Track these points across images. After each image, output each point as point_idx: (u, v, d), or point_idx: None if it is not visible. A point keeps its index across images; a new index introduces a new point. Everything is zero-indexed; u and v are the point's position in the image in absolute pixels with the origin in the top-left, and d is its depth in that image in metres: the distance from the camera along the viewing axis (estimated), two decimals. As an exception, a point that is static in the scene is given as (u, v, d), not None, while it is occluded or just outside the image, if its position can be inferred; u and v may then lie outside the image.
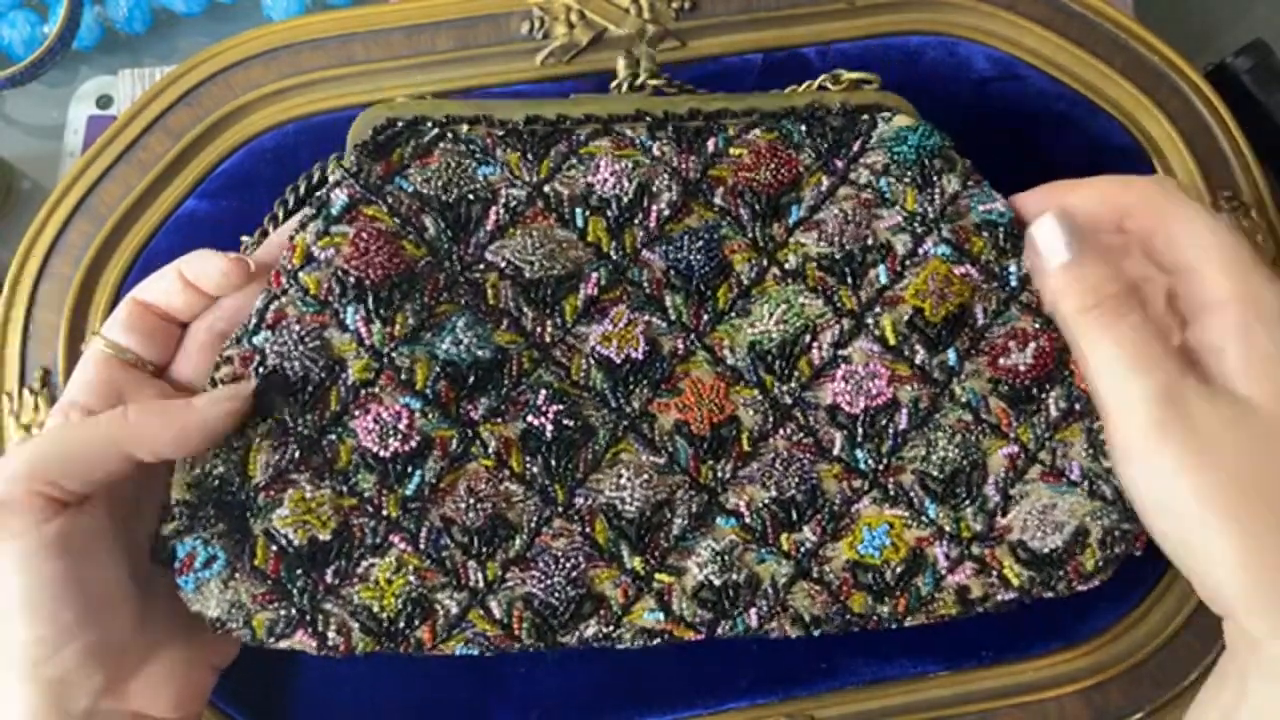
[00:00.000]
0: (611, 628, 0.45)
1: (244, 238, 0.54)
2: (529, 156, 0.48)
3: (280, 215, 0.54)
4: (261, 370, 0.44)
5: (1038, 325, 0.47)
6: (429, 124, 0.48)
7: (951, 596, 0.46)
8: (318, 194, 0.47)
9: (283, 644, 0.43)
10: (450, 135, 0.48)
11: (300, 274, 0.45)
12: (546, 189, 0.48)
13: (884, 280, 0.48)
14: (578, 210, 0.48)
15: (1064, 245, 0.45)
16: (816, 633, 0.46)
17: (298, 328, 0.44)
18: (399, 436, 0.44)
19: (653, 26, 0.57)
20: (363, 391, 0.44)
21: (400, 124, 0.48)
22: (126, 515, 0.44)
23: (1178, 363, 0.42)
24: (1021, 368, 0.47)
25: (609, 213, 0.48)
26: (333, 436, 0.44)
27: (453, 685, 0.51)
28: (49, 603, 0.40)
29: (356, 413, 0.44)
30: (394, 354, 0.45)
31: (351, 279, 0.45)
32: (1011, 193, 0.50)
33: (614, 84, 0.54)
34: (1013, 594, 0.46)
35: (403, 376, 0.45)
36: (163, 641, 0.44)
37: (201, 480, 0.43)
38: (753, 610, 0.45)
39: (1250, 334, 0.43)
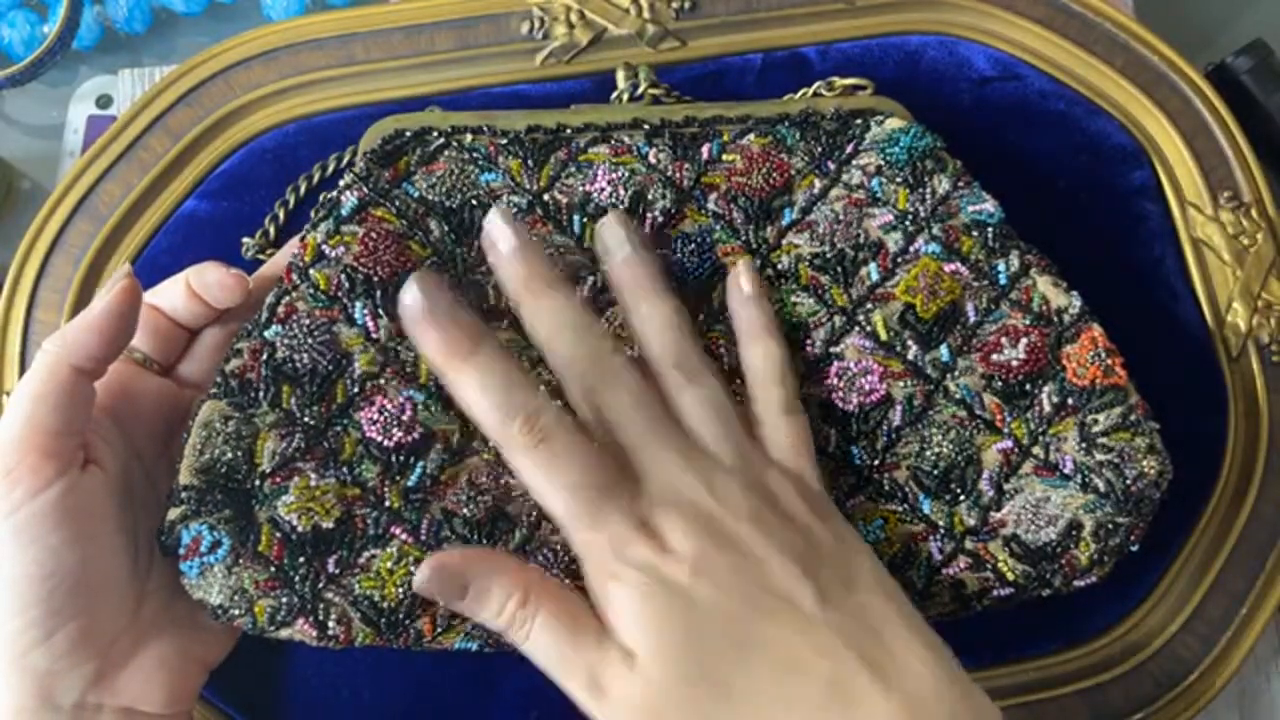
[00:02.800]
0: None
1: (245, 239, 0.55)
2: (529, 163, 0.50)
3: (281, 215, 0.55)
4: (271, 362, 0.46)
5: (1028, 322, 0.49)
6: (435, 133, 0.50)
7: (947, 592, 0.48)
8: (327, 195, 0.49)
9: (283, 633, 0.45)
10: (455, 144, 0.50)
11: (311, 270, 0.47)
12: (546, 197, 0.50)
13: (875, 277, 0.49)
14: (575, 217, 0.50)
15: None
16: (814, 629, 0.47)
17: (307, 321, 0.46)
18: (402, 427, 0.46)
19: (653, 26, 0.58)
20: (368, 384, 0.46)
21: (408, 134, 0.50)
22: (133, 504, 0.46)
23: (596, 635, 0.42)
24: (1014, 363, 0.48)
25: None
26: (338, 427, 0.46)
27: (451, 685, 0.52)
28: (44, 581, 0.41)
29: (362, 404, 0.46)
30: (399, 348, 0.47)
31: (360, 276, 0.47)
32: (1011, 192, 0.51)
33: (614, 95, 0.56)
34: (1009, 589, 0.47)
35: (407, 370, 0.47)
36: (154, 636, 0.46)
37: (209, 466, 0.45)
38: None
39: (602, 580, 0.42)
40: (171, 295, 0.48)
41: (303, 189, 0.56)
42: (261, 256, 0.55)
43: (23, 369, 0.55)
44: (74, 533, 0.42)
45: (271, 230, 0.56)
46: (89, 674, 0.43)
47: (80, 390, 0.43)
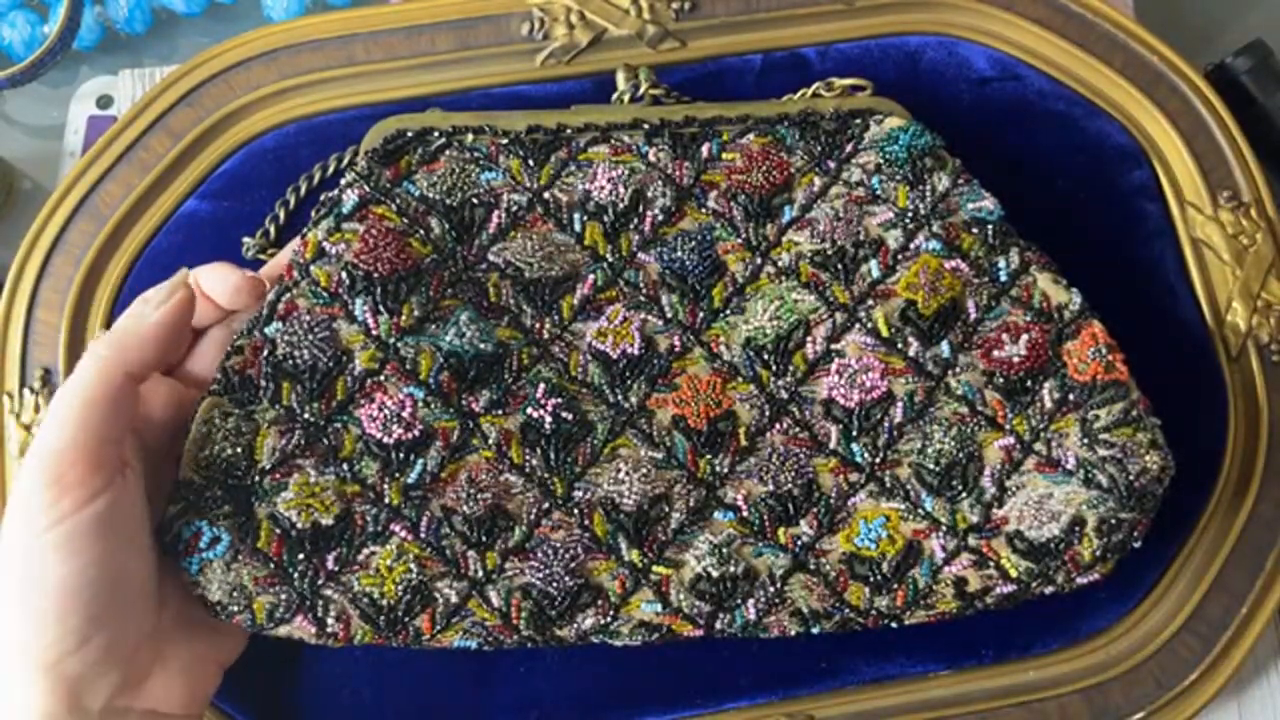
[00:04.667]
0: (609, 620, 0.47)
1: (245, 239, 0.55)
2: (530, 163, 0.50)
3: (282, 215, 0.55)
4: (271, 359, 0.46)
5: (1029, 318, 0.49)
6: (436, 133, 0.50)
7: (950, 589, 0.47)
8: (328, 194, 0.49)
9: (282, 630, 0.45)
10: (456, 144, 0.50)
11: (312, 267, 0.47)
12: (546, 195, 0.50)
13: (876, 274, 0.49)
14: (575, 215, 0.50)
15: None
16: (815, 629, 0.48)
17: (308, 318, 0.46)
18: (402, 424, 0.46)
19: (652, 27, 0.58)
20: (368, 381, 0.46)
21: (409, 134, 0.50)
22: (150, 506, 0.45)
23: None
24: (1015, 360, 0.48)
25: (605, 218, 0.50)
26: (338, 424, 0.46)
27: (452, 686, 0.52)
28: (84, 590, 0.41)
29: (362, 401, 0.46)
30: (399, 345, 0.47)
31: (360, 273, 0.47)
32: (1011, 192, 0.51)
33: (615, 95, 0.56)
34: (1011, 586, 0.47)
35: (407, 367, 0.47)
36: (175, 639, 0.46)
37: (209, 462, 0.45)
38: (750, 602, 0.47)
39: None
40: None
41: (303, 189, 0.56)
42: (262, 256, 0.55)
43: (23, 369, 0.55)
44: (116, 544, 0.42)
45: (272, 230, 0.56)
46: (116, 680, 0.42)
47: (130, 397, 0.43)
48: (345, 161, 0.56)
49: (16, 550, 0.40)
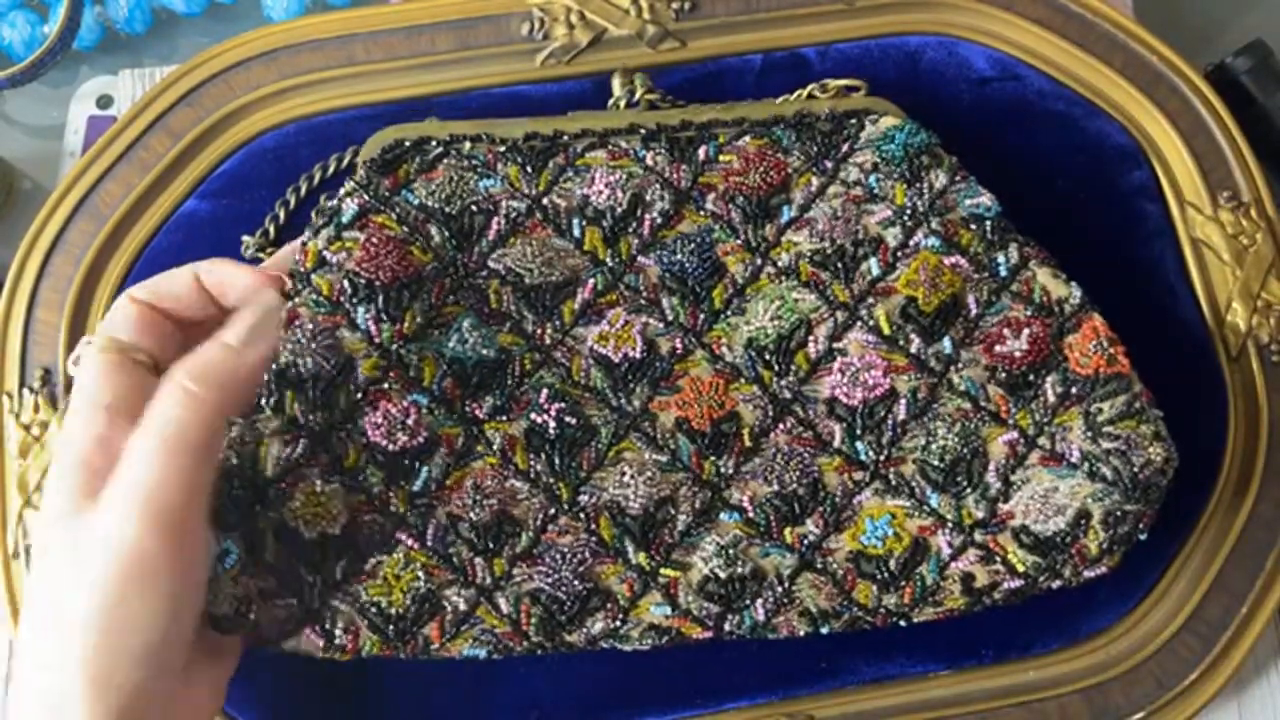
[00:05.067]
0: (619, 623, 0.46)
1: (245, 238, 0.55)
2: (528, 169, 0.50)
3: (282, 215, 0.55)
4: (274, 368, 0.45)
5: (1029, 313, 0.49)
6: (433, 142, 0.50)
7: (957, 585, 0.48)
8: (327, 203, 0.49)
9: (289, 644, 0.45)
10: (454, 152, 0.50)
11: (313, 276, 0.47)
12: (545, 201, 0.50)
13: (876, 272, 0.49)
14: (574, 221, 0.50)
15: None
16: (825, 629, 0.48)
17: (310, 327, 0.46)
18: (407, 432, 0.46)
19: (652, 27, 0.58)
20: (372, 389, 0.46)
21: (407, 143, 0.50)
22: None
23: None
24: (1017, 354, 0.48)
25: (604, 223, 0.50)
26: (343, 433, 0.46)
27: (453, 686, 0.52)
28: (167, 635, 0.41)
29: (366, 409, 0.46)
30: (402, 352, 0.47)
31: (362, 280, 0.46)
32: (1011, 192, 0.51)
33: (611, 101, 0.56)
34: (1018, 581, 0.47)
35: (410, 374, 0.47)
36: (195, 661, 0.45)
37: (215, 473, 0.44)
38: (759, 602, 0.47)
39: None
40: (179, 293, 0.47)
41: (303, 189, 0.56)
42: (262, 256, 0.55)
43: (23, 369, 0.54)
44: (200, 586, 0.42)
45: (272, 230, 0.56)
46: (160, 707, 0.42)
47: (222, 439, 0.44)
48: (345, 162, 0.56)
49: (119, 591, 0.40)
